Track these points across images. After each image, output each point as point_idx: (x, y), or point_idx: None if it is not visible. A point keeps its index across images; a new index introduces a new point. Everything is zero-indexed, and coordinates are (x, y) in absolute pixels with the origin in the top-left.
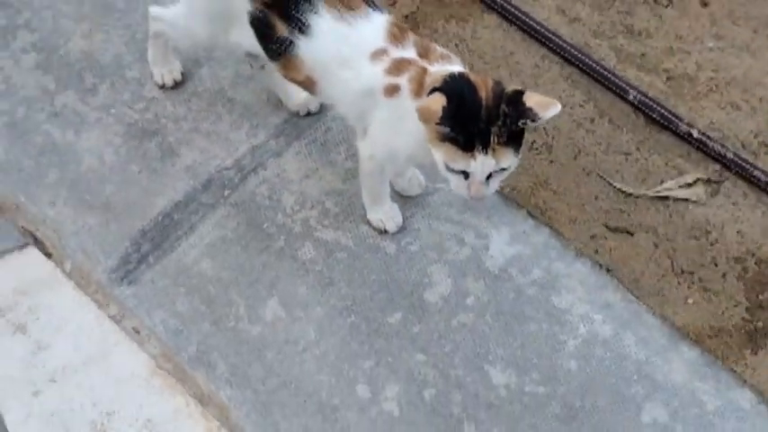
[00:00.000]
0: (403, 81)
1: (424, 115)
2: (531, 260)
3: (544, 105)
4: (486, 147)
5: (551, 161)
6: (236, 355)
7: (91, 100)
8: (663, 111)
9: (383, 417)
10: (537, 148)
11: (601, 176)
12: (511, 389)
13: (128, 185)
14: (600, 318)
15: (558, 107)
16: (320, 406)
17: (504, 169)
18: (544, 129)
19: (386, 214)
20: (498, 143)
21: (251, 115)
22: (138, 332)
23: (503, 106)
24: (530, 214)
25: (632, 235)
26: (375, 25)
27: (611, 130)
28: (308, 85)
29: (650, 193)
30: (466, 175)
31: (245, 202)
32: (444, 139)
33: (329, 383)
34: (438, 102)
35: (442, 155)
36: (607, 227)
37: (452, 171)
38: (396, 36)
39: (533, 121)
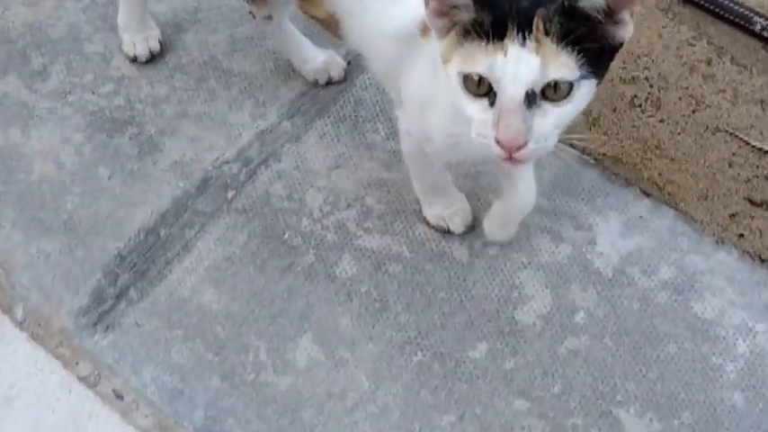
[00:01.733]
0: None
1: None
2: (655, 255)
3: None
4: (524, 34)
5: (661, 120)
6: (260, 419)
7: (40, 86)
8: None
9: None
10: (640, 105)
11: (731, 134)
12: None
13: (95, 196)
14: (764, 327)
15: None
16: None
17: (558, 88)
18: (647, 78)
19: (448, 208)
20: (546, 32)
21: (255, 90)
22: (121, 397)
23: None
24: (644, 193)
25: None
26: None
27: (735, 72)
28: (332, 25)
29: None
30: (492, 98)
31: (256, 206)
32: (464, 35)
33: None
34: None
35: (458, 62)
36: (751, 201)
37: (471, 92)
38: None
39: None
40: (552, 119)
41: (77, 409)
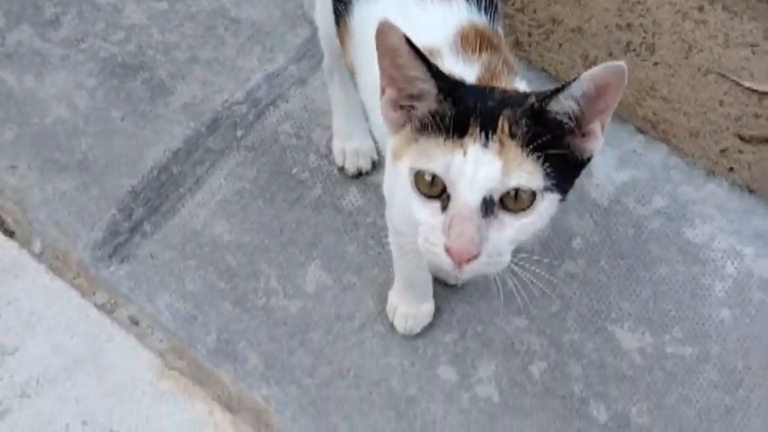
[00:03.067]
0: None
1: (380, 46)
2: (649, 185)
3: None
4: (488, 133)
5: (656, 63)
6: (272, 341)
7: (53, 35)
8: None
9: (479, 405)
10: (634, 49)
11: (723, 75)
12: (647, 353)
13: (109, 137)
14: (751, 251)
15: (620, 63)
16: (391, 397)
17: (519, 197)
18: (641, 25)
19: (409, 308)
20: (511, 135)
21: (263, 36)
22: (136, 323)
23: (531, 97)
24: (638, 130)
25: None
26: (449, 17)
27: (726, 18)
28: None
29: None
30: (445, 201)
31: (264, 144)
32: (420, 130)
33: (401, 367)
34: (394, 30)
35: (410, 158)
36: (741, 137)
37: (422, 193)
38: (466, 42)
39: (569, 83)
40: (509, 232)
41: (95, 333)
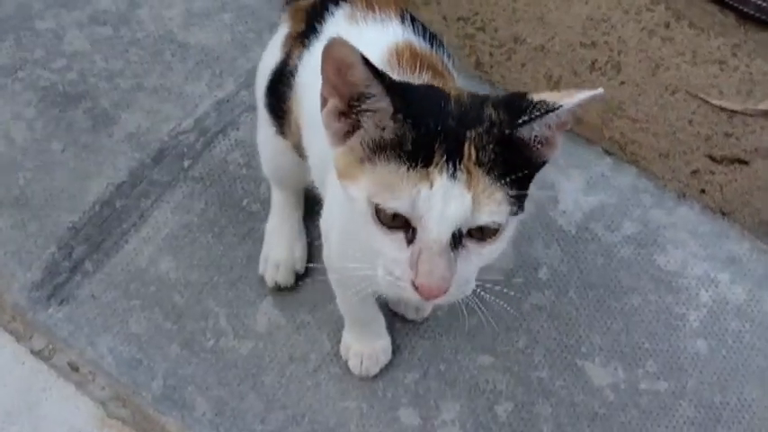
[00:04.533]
0: None
1: (327, 59)
2: (618, 211)
3: (566, 94)
4: (455, 162)
5: (622, 82)
6: (221, 385)
7: None
8: (760, 2)
9: None
10: (600, 68)
11: (691, 94)
12: (620, 389)
13: (48, 170)
14: (726, 278)
15: (600, 91)
16: None
17: (486, 229)
18: (606, 43)
19: (363, 347)
20: (479, 163)
21: (212, 61)
22: (76, 369)
23: (488, 108)
24: (606, 152)
25: (747, 164)
26: (383, 36)
27: (693, 35)
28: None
29: (762, 107)
30: (410, 234)
31: (213, 175)
32: (376, 151)
33: (359, 411)
34: (345, 44)
35: (367, 185)
36: (711, 158)
37: (384, 225)
38: (402, 59)
39: (547, 112)
40: (476, 261)
41: (30, 382)
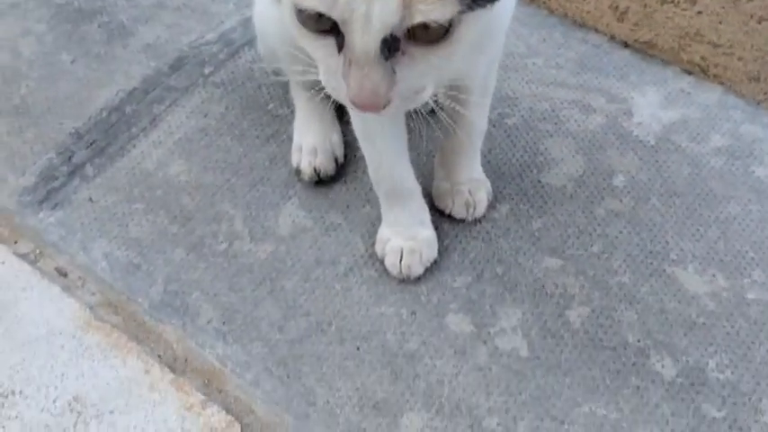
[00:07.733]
0: None
1: None
2: (705, 124)
3: None
4: None
5: (699, 12)
6: (233, 291)
7: None
8: None
9: (501, 360)
10: (673, 0)
11: None
12: (722, 298)
13: (54, 80)
14: None
15: None
16: (385, 354)
17: (430, 27)
18: None
19: (403, 241)
20: None
21: None
22: (65, 275)
23: None
24: (685, 71)
25: None
26: None
27: None
28: None
29: None
30: (340, 39)
31: (236, 80)
32: None
33: (398, 317)
34: None
35: None
36: None
37: (310, 29)
38: None
39: None
40: (423, 67)
41: (9, 280)
